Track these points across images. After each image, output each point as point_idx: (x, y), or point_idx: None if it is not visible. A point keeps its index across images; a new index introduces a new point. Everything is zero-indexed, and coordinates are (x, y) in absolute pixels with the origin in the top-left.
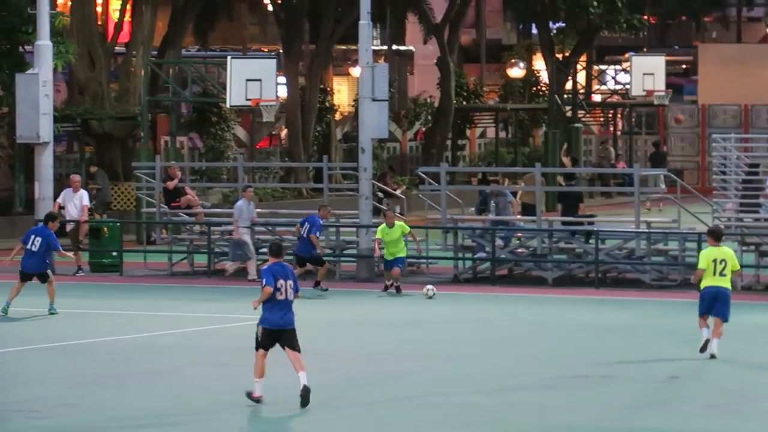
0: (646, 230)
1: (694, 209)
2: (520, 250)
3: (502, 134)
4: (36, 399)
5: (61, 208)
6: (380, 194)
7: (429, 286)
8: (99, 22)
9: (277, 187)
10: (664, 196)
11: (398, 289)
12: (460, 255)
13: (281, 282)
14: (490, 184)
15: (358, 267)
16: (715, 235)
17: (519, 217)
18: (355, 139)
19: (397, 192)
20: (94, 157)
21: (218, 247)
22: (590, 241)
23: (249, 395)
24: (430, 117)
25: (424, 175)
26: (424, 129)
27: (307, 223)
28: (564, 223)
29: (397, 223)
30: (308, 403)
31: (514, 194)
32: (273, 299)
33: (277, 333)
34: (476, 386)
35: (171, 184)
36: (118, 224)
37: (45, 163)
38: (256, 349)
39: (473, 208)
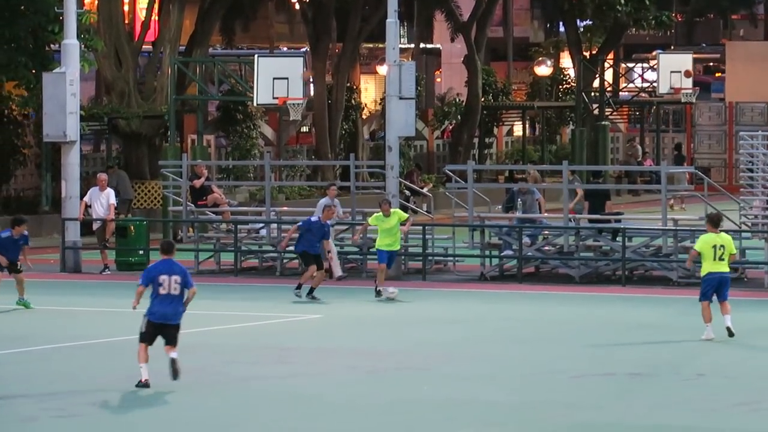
0: (673, 228)
1: (721, 207)
2: (546, 248)
3: (530, 132)
4: (63, 397)
5: (88, 206)
6: (407, 192)
7: (391, 289)
8: (126, 21)
9: (303, 185)
10: (692, 194)
11: (378, 293)
12: (487, 253)
13: (164, 278)
14: (517, 182)
15: None
16: (714, 222)
17: (546, 214)
18: (382, 138)
19: (424, 190)
20: (121, 156)
21: (245, 246)
22: (617, 238)
23: (138, 383)
24: (459, 117)
25: (451, 173)
26: (451, 127)
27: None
28: (591, 220)
29: (394, 211)
30: (177, 376)
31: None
32: (157, 294)
33: (160, 326)
34: (502, 384)
35: (198, 183)
36: (145, 223)
37: (72, 162)
38: (140, 341)
39: (500, 206)
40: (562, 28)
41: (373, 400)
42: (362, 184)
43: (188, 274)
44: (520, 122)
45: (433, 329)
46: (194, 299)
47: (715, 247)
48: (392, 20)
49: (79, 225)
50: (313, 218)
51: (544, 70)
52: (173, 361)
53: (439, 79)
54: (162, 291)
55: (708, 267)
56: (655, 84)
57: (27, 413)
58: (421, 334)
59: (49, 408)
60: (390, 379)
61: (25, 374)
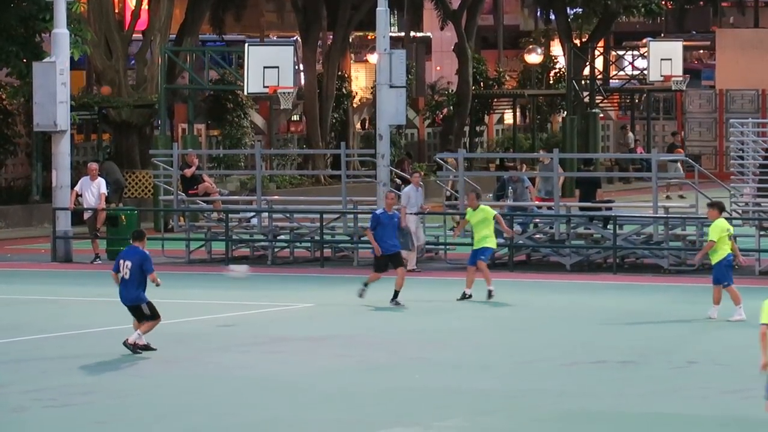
0: (664, 215)
1: (711, 194)
2: (537, 236)
3: (520, 120)
4: (54, 387)
5: (79, 196)
6: (398, 180)
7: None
8: (116, 10)
9: (294, 174)
10: (682, 181)
11: (489, 293)
12: None
13: (121, 262)
14: (508, 170)
15: None
16: (721, 208)
17: (537, 202)
18: (373, 126)
19: None
20: (111, 146)
21: (236, 235)
22: (608, 226)
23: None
24: (452, 108)
25: (442, 161)
26: (441, 115)
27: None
28: (582, 208)
29: (481, 207)
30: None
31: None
32: (121, 277)
33: (127, 307)
34: (494, 373)
35: (188, 172)
36: (136, 212)
37: (62, 152)
38: None
39: (491, 194)
40: (552, 16)
41: (364, 388)
42: (353, 173)
43: (146, 260)
44: (511, 110)
45: (424, 318)
46: (186, 288)
47: (728, 230)
48: (382, 8)
49: (70, 214)
50: (378, 211)
51: (534, 58)
52: (134, 345)
53: (438, 68)
54: (122, 275)
55: (724, 251)
56: (645, 72)
57: (18, 403)
58: (412, 323)
59: (41, 398)
60: (381, 368)
61: (17, 364)
